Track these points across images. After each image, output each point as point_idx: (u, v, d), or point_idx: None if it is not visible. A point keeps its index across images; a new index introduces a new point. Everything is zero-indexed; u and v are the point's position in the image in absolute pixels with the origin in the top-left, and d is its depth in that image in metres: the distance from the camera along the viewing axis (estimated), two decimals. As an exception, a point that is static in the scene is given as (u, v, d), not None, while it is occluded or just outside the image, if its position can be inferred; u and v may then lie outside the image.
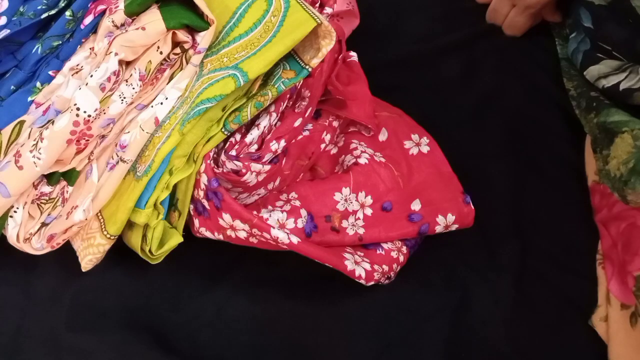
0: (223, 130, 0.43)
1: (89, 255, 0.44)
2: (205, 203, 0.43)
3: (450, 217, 0.48)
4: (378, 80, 0.53)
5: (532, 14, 0.60)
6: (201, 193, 0.43)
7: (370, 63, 0.54)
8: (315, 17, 0.41)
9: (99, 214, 0.44)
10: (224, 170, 0.43)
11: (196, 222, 0.45)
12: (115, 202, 0.43)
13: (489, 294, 0.50)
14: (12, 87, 0.43)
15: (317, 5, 0.52)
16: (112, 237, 0.43)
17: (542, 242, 0.52)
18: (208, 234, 0.45)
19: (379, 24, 0.63)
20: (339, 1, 0.54)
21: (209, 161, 0.43)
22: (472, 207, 0.48)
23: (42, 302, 0.47)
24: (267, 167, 0.44)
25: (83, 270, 0.45)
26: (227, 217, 0.43)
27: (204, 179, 0.43)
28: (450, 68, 0.61)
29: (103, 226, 0.43)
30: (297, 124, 0.46)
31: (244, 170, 0.43)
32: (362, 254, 0.46)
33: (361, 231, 0.46)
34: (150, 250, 0.44)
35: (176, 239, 0.44)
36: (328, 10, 0.52)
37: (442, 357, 0.48)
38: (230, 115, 0.43)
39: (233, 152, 0.44)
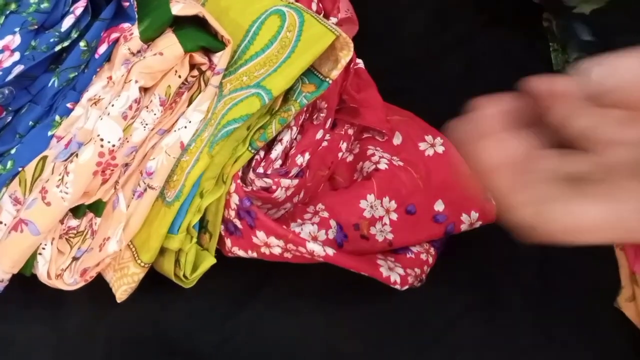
0: (250, 149, 0.43)
1: (124, 286, 0.43)
2: (238, 222, 0.43)
3: (474, 215, 0.48)
4: (382, 84, 0.54)
5: None
6: (232, 213, 0.43)
7: (372, 68, 0.54)
8: (333, 30, 0.42)
9: (130, 243, 0.43)
10: (254, 189, 0.43)
11: (228, 241, 0.45)
12: (146, 230, 0.43)
13: (515, 286, 0.51)
14: (31, 122, 0.42)
15: (322, 15, 0.52)
16: (146, 265, 0.43)
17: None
18: (241, 253, 0.45)
19: (376, 28, 0.63)
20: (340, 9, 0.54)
21: (238, 181, 0.43)
22: (494, 203, 0.49)
23: (75, 338, 0.46)
24: (295, 182, 0.44)
25: (118, 300, 0.44)
26: (261, 234, 0.43)
27: (234, 199, 0.43)
28: (452, 66, 0.61)
29: (136, 255, 0.43)
30: (319, 136, 0.46)
31: (274, 187, 0.43)
32: (392, 259, 0.46)
33: (390, 236, 0.46)
34: (184, 275, 0.44)
35: (209, 260, 0.44)
36: (333, 19, 0.52)
37: (475, 356, 0.49)
38: (256, 133, 0.43)
39: (261, 170, 0.44)
